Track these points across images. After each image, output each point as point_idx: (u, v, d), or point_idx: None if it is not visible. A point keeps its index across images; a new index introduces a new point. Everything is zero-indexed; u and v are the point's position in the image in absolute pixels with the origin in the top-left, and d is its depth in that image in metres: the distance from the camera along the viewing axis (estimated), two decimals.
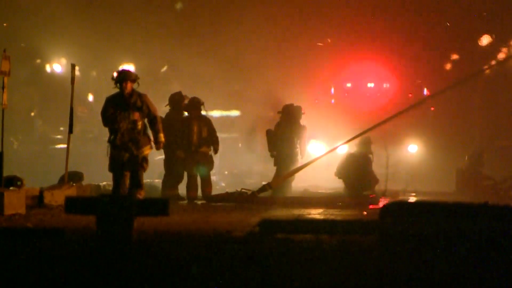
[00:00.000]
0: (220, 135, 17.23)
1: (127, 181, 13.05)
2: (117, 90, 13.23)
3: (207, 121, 16.78)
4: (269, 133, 18.08)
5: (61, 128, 24.64)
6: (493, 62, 23.41)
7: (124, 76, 13.18)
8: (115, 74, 13.36)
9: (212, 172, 17.71)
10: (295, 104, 18.25)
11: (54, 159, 20.85)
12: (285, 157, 17.89)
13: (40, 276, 5.97)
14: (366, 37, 26.84)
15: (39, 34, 26.21)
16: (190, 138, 16.43)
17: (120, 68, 13.93)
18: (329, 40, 27.49)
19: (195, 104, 16.64)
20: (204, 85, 25.71)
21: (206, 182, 16.66)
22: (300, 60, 27.19)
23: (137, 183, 13.07)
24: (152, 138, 13.37)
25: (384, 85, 27.96)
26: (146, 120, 13.23)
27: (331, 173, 18.75)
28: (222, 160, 25.22)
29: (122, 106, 12.95)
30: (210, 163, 16.75)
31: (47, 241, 7.60)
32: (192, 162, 16.49)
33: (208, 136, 16.59)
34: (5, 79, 13.54)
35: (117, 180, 12.98)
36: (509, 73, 24.31)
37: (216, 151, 16.72)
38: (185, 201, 16.17)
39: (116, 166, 12.95)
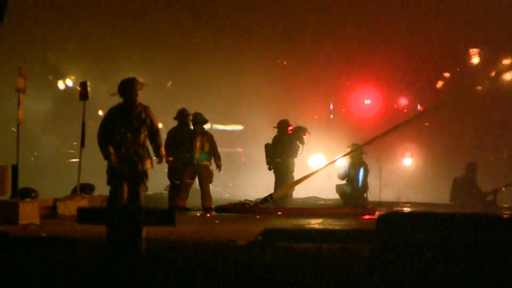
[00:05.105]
0: (224, 149, 17.21)
1: (125, 196, 11.94)
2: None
3: (209, 137, 16.76)
4: (267, 147, 18.25)
5: (74, 143, 24.65)
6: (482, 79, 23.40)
7: (132, 85, 12.14)
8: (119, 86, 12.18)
9: (216, 184, 17.65)
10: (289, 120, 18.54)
11: (67, 171, 20.88)
12: (281, 169, 18.04)
13: (53, 284, 5.95)
14: (362, 57, 26.91)
15: (53, 52, 26.33)
16: (192, 152, 16.42)
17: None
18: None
19: (199, 120, 16.65)
20: (208, 100, 25.76)
21: (206, 195, 16.57)
22: (301, 79, 27.29)
23: (136, 198, 11.97)
24: (152, 152, 12.31)
25: (366, 101, 28.06)
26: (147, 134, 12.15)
27: (330, 185, 18.81)
28: (226, 172, 25.23)
29: (126, 117, 12.00)
30: (210, 176, 16.70)
31: (60, 250, 7.58)
32: (189, 173, 16.46)
33: (210, 151, 16.58)
34: (21, 95, 13.54)
35: (115, 193, 11.90)
36: (498, 91, 24.33)
37: (219, 167, 16.66)
38: (191, 212, 16.12)
39: (116, 179, 11.91)
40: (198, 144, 16.47)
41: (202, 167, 16.53)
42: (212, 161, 16.72)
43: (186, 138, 16.44)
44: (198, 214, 15.87)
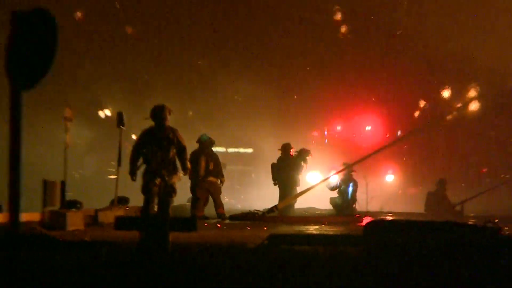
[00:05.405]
0: (236, 167, 17.21)
1: (155, 203, 11.96)
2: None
3: (214, 156, 16.78)
4: (273, 166, 18.32)
5: (112, 163, 24.72)
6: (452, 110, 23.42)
7: (162, 111, 12.16)
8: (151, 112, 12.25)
9: (231, 197, 17.64)
10: (290, 143, 18.66)
11: (106, 186, 20.89)
12: (285, 184, 18.08)
13: (95, 279, 5.97)
14: (353, 91, 27.05)
15: (94, 86, 26.56)
16: (198, 170, 16.42)
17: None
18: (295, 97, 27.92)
19: (206, 143, 16.73)
20: (224, 127, 25.86)
21: (218, 203, 16.58)
22: (301, 110, 27.45)
23: (165, 210, 11.96)
24: (179, 168, 12.32)
25: (367, 128, 28.14)
26: (175, 152, 12.17)
27: (325, 198, 18.83)
28: (239, 187, 25.24)
29: (157, 138, 12.00)
30: (218, 189, 16.69)
31: (100, 251, 7.60)
32: (201, 188, 16.47)
33: (214, 169, 16.59)
34: (68, 123, 13.62)
35: (148, 201, 11.93)
36: (466, 119, 24.36)
37: (222, 182, 16.71)
38: (210, 220, 16.08)
39: (148, 189, 11.89)
40: (203, 163, 16.50)
41: (210, 183, 16.53)
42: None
43: (194, 157, 16.44)
44: (210, 224, 15.91)
